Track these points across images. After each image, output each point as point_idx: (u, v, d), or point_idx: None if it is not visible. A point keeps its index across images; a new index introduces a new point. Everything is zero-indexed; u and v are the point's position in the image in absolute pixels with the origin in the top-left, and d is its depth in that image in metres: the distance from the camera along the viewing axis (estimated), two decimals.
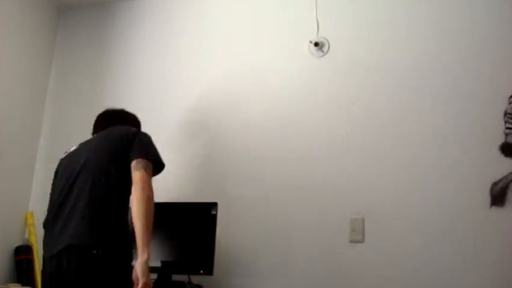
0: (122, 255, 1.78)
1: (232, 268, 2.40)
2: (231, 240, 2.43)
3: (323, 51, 2.59)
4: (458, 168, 2.23)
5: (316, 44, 2.58)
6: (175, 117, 2.75)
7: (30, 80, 2.99)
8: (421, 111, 2.35)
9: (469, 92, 2.30)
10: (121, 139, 1.89)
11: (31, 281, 2.65)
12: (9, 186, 2.77)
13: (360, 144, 2.39)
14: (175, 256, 2.32)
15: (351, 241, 2.29)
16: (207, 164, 2.61)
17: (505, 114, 2.22)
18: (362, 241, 2.27)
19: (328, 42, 2.59)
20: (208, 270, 2.22)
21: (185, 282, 2.26)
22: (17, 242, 2.76)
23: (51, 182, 2.02)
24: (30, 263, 2.69)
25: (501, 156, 2.18)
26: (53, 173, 2.05)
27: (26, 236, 2.79)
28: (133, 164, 1.82)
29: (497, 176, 2.16)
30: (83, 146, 2.00)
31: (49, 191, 1.99)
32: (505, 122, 2.22)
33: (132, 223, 1.75)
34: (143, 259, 1.69)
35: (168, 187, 2.43)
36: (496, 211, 2.14)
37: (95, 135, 2.08)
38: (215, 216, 2.30)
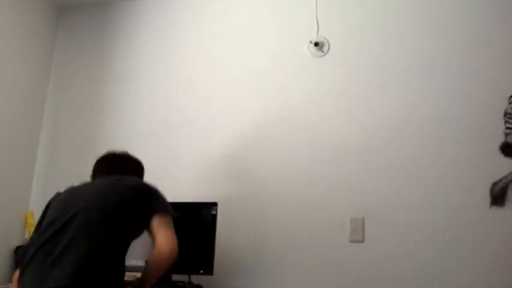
0: None
1: (232, 268, 2.40)
2: (231, 240, 2.44)
3: (323, 51, 2.59)
4: (458, 168, 2.23)
5: (316, 44, 2.58)
6: (176, 117, 2.75)
7: (30, 80, 2.99)
8: (421, 111, 2.35)
9: (469, 92, 2.31)
10: (136, 190, 1.80)
11: None
12: (9, 186, 2.77)
13: (360, 144, 2.40)
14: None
15: (351, 241, 2.29)
16: (207, 164, 2.62)
17: (505, 114, 2.23)
18: (362, 241, 2.28)
19: (328, 42, 2.60)
20: (208, 270, 2.22)
21: (186, 282, 2.26)
22: (17, 242, 2.76)
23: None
24: None
25: (501, 156, 2.19)
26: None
27: (26, 236, 2.78)
28: (157, 217, 1.76)
29: (497, 176, 2.17)
30: (85, 187, 1.85)
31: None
32: (505, 122, 2.22)
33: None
34: None
35: (168, 187, 2.43)
36: (496, 211, 2.14)
37: (97, 181, 1.91)
38: (215, 216, 2.30)
